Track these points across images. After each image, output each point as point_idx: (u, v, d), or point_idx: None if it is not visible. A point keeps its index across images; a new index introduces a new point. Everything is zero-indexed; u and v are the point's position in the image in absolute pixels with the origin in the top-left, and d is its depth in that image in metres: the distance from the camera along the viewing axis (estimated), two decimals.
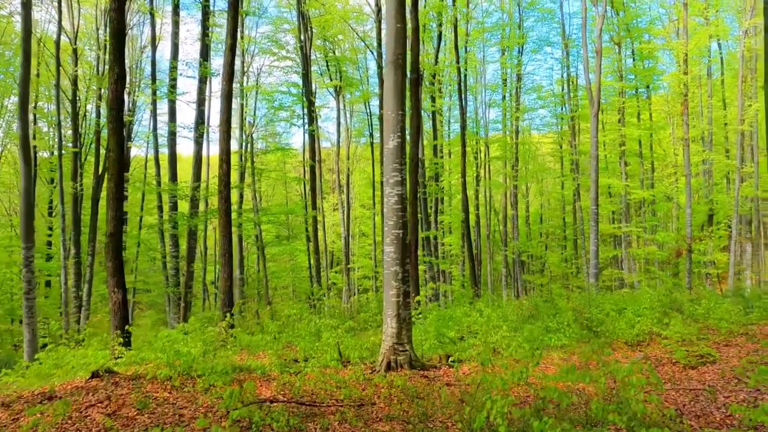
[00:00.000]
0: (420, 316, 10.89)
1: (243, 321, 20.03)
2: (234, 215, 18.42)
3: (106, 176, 10.37)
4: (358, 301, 25.15)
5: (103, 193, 26.28)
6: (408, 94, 17.51)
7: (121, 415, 5.36)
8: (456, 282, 29.33)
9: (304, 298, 22.77)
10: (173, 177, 16.54)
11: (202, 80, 16.42)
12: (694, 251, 23.60)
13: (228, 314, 10.03)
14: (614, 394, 4.95)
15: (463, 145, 20.25)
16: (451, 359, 8.42)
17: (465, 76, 26.58)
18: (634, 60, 28.23)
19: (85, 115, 29.52)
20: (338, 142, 32.09)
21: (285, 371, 7.45)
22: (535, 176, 35.69)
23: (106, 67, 19.84)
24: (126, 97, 30.92)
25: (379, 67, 22.20)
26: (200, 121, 16.37)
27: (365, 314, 13.64)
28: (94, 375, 7.04)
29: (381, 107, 11.25)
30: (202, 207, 19.55)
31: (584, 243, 28.17)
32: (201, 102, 16.11)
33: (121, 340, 8.74)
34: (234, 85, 26.61)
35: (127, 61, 31.03)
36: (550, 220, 38.54)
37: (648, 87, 29.22)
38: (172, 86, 16.89)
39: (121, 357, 7.77)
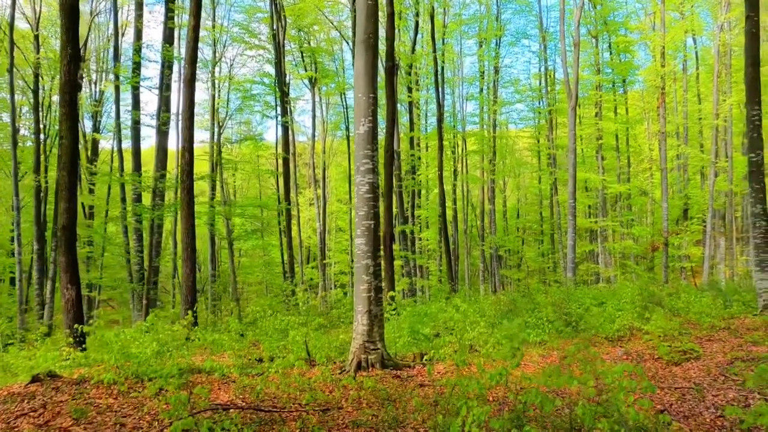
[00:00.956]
0: (394, 312, 10.43)
1: (214, 318, 19.36)
2: (203, 208, 17.72)
3: (60, 165, 9.64)
4: (334, 296, 24.60)
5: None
6: (383, 83, 17.02)
7: (54, 426, 4.77)
8: (433, 277, 28.97)
9: (279, 294, 22.15)
10: (137, 167, 15.73)
11: (167, 65, 15.60)
12: (669, 245, 23.62)
13: (190, 311, 9.43)
14: (600, 396, 4.53)
15: (440, 138, 19.82)
16: (425, 358, 7.98)
17: (442, 68, 26.14)
18: (611, 54, 28.16)
19: (50, 106, 28.34)
20: (313, 135, 31.46)
21: (246, 373, 6.91)
22: (512, 171, 35.56)
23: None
24: (92, 86, 29.92)
25: (354, 57, 21.64)
26: (165, 108, 15.59)
27: (338, 310, 13.11)
28: (35, 379, 6.41)
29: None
30: (170, 198, 18.71)
31: (561, 237, 28.05)
32: (166, 88, 15.29)
33: (71, 340, 8.10)
34: (205, 74, 25.88)
35: (92, 47, 30.00)
36: (526, 215, 38.46)
37: (624, 81, 29.20)
38: (135, 70, 16.02)
39: (67, 359, 7.15)
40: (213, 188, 22.06)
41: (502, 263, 34.57)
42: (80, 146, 29.89)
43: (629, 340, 9.46)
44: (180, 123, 11.07)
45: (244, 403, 5.73)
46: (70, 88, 9.98)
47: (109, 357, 6.30)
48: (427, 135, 31.73)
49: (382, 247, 9.33)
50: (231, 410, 5.26)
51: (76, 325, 7.95)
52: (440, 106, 20.35)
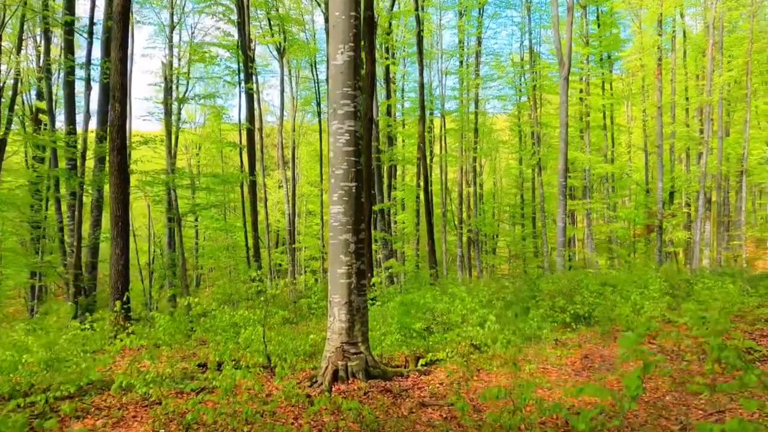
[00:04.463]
0: (376, 302, 8.60)
1: (171, 308, 17.23)
2: (146, 178, 15.47)
3: None
4: (303, 282, 22.67)
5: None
6: (362, 40, 15.08)
7: None
8: (409, 262, 27.30)
9: (246, 280, 20.03)
10: (70, 121, 13.27)
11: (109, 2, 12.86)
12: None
13: (118, 302, 7.44)
14: None
15: (422, 107, 17.98)
16: (422, 362, 6.18)
17: (422, 37, 24.27)
18: (599, 26, 26.71)
19: None
20: (282, 111, 29.13)
21: (180, 389, 4.99)
22: (490, 152, 34.08)
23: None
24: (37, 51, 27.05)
25: (327, 21, 19.52)
26: (104, 55, 13.06)
27: (307, 299, 11.19)
28: None
29: (327, 41, 8.74)
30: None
31: (545, 220, 26.60)
32: (105, 30, 12.71)
33: None
34: (162, 40, 23.34)
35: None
36: (503, 198, 37.15)
37: (610, 57, 27.86)
38: (68, 7, 13.37)
39: None
40: (169, 155, 19.70)
41: (479, 248, 33.15)
42: (26, 117, 27.14)
43: (659, 335, 7.86)
44: (111, 68, 8.91)
45: None
46: None
47: None
48: (404, 111, 29.89)
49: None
50: None
51: None
52: (422, 72, 18.46)
